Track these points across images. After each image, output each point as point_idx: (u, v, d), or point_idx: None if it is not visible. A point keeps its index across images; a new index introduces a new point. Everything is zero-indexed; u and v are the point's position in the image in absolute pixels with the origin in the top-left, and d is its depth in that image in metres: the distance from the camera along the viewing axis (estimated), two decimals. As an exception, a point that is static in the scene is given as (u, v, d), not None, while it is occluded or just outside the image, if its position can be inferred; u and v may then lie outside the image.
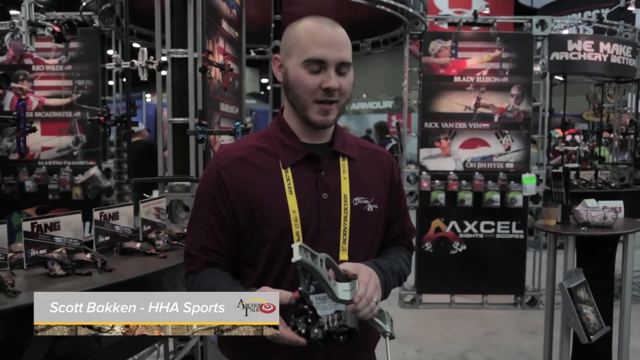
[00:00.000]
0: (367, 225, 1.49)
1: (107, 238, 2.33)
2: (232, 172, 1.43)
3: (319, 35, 1.38)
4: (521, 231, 5.55)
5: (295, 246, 1.17)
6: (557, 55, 5.52)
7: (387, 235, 1.59)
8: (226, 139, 3.57)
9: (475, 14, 5.48)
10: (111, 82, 5.26)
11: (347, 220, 1.44)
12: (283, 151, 1.45)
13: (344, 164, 1.49)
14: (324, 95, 1.38)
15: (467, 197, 5.46)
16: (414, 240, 1.68)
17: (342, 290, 1.27)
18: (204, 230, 1.45)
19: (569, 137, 7.80)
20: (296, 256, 1.17)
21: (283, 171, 1.43)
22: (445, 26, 5.94)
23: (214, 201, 1.44)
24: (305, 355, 1.40)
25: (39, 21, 2.40)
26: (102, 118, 2.92)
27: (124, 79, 2.94)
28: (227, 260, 1.46)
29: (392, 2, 4.74)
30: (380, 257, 1.53)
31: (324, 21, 1.41)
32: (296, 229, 1.39)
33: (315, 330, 1.22)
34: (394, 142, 8.02)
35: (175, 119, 3.04)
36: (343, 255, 1.43)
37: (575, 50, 5.51)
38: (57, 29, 2.44)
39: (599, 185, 5.83)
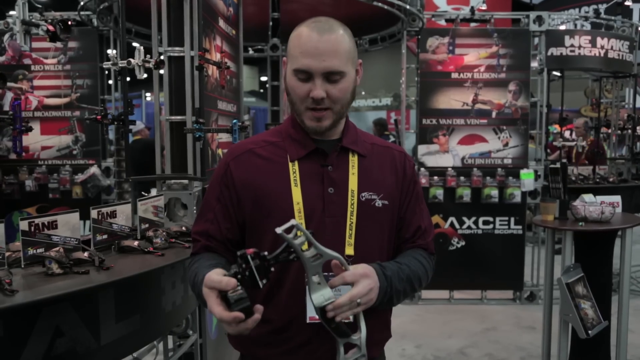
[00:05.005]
0: (375, 220, 1.49)
1: (105, 236, 2.34)
2: (240, 164, 1.49)
3: (305, 45, 1.39)
4: (519, 227, 5.56)
5: (292, 221, 1.23)
6: (555, 51, 5.54)
7: (402, 232, 1.57)
8: (224, 137, 3.58)
9: (472, 10, 5.49)
10: (110, 82, 5.27)
11: (353, 215, 1.45)
12: (291, 145, 1.49)
13: (353, 160, 1.51)
14: (313, 104, 1.41)
15: (465, 193, 5.48)
16: (432, 241, 1.62)
17: (321, 294, 1.28)
18: (208, 217, 1.52)
19: (567, 133, 7.80)
20: (279, 229, 1.22)
21: (290, 164, 1.47)
22: (442, 23, 5.94)
23: (221, 190, 1.50)
24: (310, 348, 1.43)
25: (33, 20, 2.41)
26: (99, 117, 2.93)
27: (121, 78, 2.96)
28: (225, 248, 1.52)
29: (389, -1, 4.74)
30: (392, 260, 1.50)
31: (316, 27, 1.41)
32: (299, 220, 1.41)
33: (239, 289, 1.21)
34: (392, 138, 8.03)
35: (173, 117, 3.04)
36: (349, 250, 1.44)
37: (572, 45, 5.53)
38: (51, 28, 2.45)
39: (597, 180, 5.84)
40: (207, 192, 1.56)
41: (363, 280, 1.31)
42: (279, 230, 1.22)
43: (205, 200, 1.56)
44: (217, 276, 1.24)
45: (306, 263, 1.26)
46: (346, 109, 1.48)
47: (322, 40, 1.38)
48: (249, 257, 1.22)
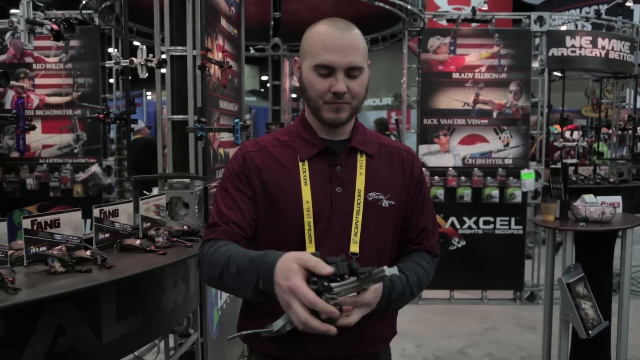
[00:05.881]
0: (381, 220, 1.51)
1: (107, 235, 2.34)
2: (255, 159, 1.50)
3: (328, 40, 1.42)
4: (520, 227, 5.56)
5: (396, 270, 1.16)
6: (556, 51, 5.54)
7: (408, 233, 1.59)
8: (225, 136, 3.58)
9: (473, 10, 5.49)
10: (112, 80, 5.27)
11: (359, 214, 1.47)
12: (301, 145, 1.52)
13: (361, 160, 1.53)
14: (333, 98, 1.43)
15: (466, 193, 5.48)
16: (436, 242, 1.63)
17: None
18: (227, 204, 1.49)
19: (567, 134, 7.80)
20: (389, 271, 1.15)
21: (300, 164, 1.49)
22: (443, 23, 5.94)
23: (239, 179, 1.50)
24: (315, 342, 1.42)
25: (37, 19, 2.41)
26: (101, 116, 2.93)
27: (124, 77, 2.95)
28: (246, 237, 1.48)
29: (390, -1, 4.75)
30: (402, 273, 1.49)
31: (335, 25, 1.44)
32: (308, 219, 1.44)
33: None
34: (393, 138, 8.03)
35: (175, 117, 3.04)
36: (354, 248, 1.46)
37: (573, 46, 5.53)
38: (55, 27, 2.45)
39: (598, 180, 5.85)
40: (221, 186, 1.54)
41: (363, 309, 1.29)
42: (389, 272, 1.16)
43: (220, 193, 1.52)
44: (316, 257, 1.20)
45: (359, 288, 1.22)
46: (360, 106, 1.50)
47: (344, 37, 1.42)
48: (357, 270, 1.17)
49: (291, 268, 1.19)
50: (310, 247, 1.43)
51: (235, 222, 1.46)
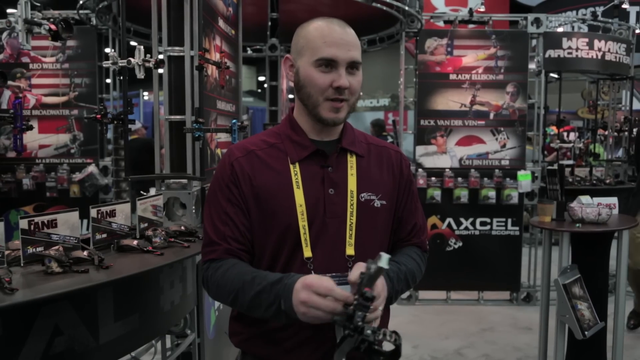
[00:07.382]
0: (374, 220, 1.51)
1: (104, 235, 2.34)
2: (244, 164, 1.47)
3: (329, 35, 1.42)
4: (517, 228, 5.57)
5: (385, 255, 1.21)
6: (552, 53, 5.55)
7: (398, 231, 1.60)
8: (223, 137, 3.59)
9: (470, 11, 5.50)
10: (108, 80, 5.26)
11: (353, 216, 1.46)
12: (291, 147, 1.49)
13: (351, 161, 1.52)
14: (335, 94, 1.42)
15: (463, 194, 5.49)
16: (426, 238, 1.67)
17: None
18: (221, 219, 1.47)
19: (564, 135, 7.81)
20: (385, 264, 1.20)
21: (291, 166, 1.47)
22: (441, 24, 5.96)
23: (229, 190, 1.47)
24: (311, 346, 1.43)
25: (35, 19, 2.41)
26: (99, 116, 2.93)
27: (121, 77, 2.95)
28: (246, 250, 1.47)
29: (388, 0, 4.75)
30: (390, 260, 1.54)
31: (334, 22, 1.45)
32: (302, 222, 1.43)
33: (369, 331, 1.18)
34: (390, 139, 8.04)
35: (172, 117, 3.04)
36: (349, 250, 1.45)
37: (570, 47, 5.55)
38: (53, 27, 2.45)
39: (594, 182, 5.86)
40: (212, 195, 1.52)
41: (384, 292, 1.35)
42: (383, 262, 1.21)
43: (212, 203, 1.51)
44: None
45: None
46: (356, 104, 1.50)
47: (345, 32, 1.43)
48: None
49: (310, 277, 1.29)
50: (307, 251, 1.42)
51: (234, 238, 1.46)
